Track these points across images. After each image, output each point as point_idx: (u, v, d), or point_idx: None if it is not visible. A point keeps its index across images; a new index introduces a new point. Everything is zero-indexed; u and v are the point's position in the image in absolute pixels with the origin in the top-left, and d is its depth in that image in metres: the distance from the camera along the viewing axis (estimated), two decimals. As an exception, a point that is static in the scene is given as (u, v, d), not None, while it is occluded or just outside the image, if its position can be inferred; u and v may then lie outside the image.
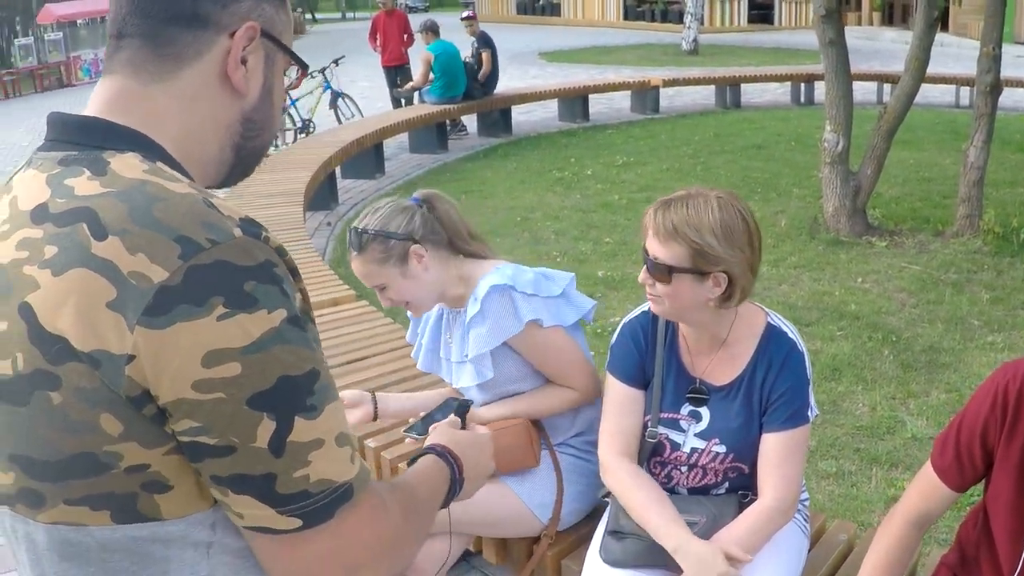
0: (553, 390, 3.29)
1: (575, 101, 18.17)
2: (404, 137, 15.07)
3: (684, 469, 3.01)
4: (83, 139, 1.43)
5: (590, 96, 18.57)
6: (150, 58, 1.48)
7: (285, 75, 1.65)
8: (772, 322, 2.95)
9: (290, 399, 1.31)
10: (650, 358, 3.00)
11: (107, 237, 1.28)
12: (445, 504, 1.78)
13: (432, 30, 15.59)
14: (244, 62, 1.52)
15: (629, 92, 19.47)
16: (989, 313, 7.62)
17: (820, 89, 20.18)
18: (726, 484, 3.00)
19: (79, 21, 36.22)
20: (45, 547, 1.42)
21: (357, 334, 5.28)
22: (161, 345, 1.25)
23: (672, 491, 3.01)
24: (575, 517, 3.37)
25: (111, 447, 1.31)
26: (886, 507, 4.78)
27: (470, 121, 16.85)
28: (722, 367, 2.94)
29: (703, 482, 3.01)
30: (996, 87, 9.36)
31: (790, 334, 2.93)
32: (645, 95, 19.18)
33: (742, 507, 2.90)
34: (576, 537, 3.35)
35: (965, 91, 19.32)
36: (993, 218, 9.45)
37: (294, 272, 1.42)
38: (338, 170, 12.24)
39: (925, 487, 2.60)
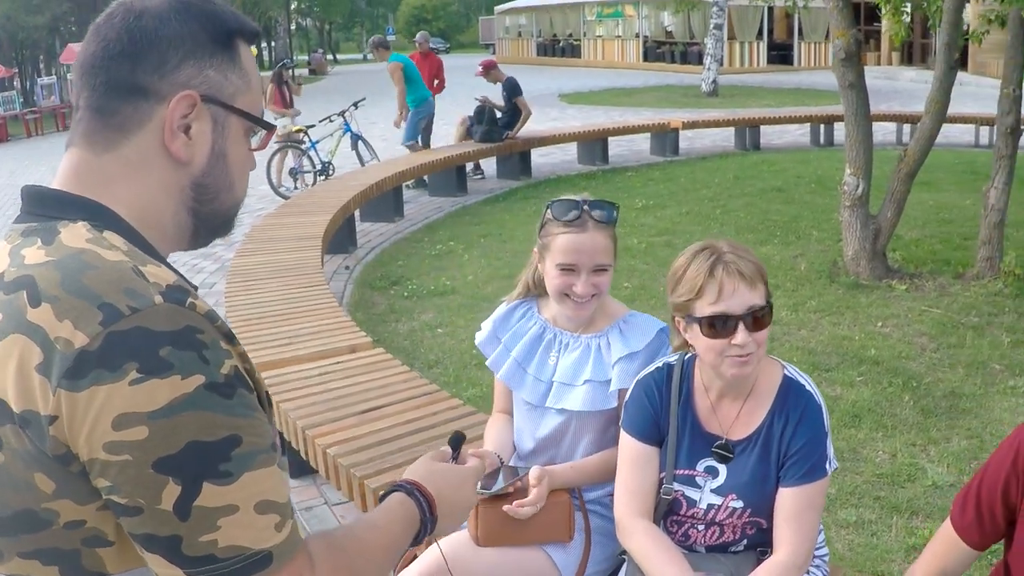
0: None
1: (595, 144, 18.22)
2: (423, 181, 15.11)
3: (701, 527, 2.96)
4: (44, 210, 1.50)
5: (610, 138, 18.60)
6: (98, 128, 1.53)
7: (253, 135, 1.66)
8: (789, 374, 2.92)
9: (198, 464, 1.33)
10: (664, 415, 2.96)
11: (40, 304, 1.35)
12: (416, 543, 1.78)
13: (383, 46, 15.85)
14: (187, 130, 1.53)
15: (649, 134, 19.50)
16: (1011, 357, 7.56)
17: (840, 130, 20.25)
18: (744, 541, 2.96)
19: None
20: None
21: (373, 382, 5.22)
22: (77, 407, 1.30)
23: (690, 549, 2.97)
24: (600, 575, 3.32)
25: (48, 504, 1.37)
26: (906, 557, 4.72)
27: (488, 164, 16.87)
28: (739, 422, 2.91)
29: (721, 540, 2.96)
30: (1017, 128, 9.34)
31: (807, 386, 2.89)
32: (665, 137, 19.21)
33: (760, 564, 2.86)
34: (595, 593, 3.29)
35: (985, 130, 19.38)
36: (1014, 260, 9.38)
37: (229, 337, 1.44)
38: (357, 213, 12.24)
39: (945, 546, 2.57)
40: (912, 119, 19.78)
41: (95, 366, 1.29)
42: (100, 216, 1.49)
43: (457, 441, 2.12)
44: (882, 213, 9.68)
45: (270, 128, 1.67)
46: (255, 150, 1.67)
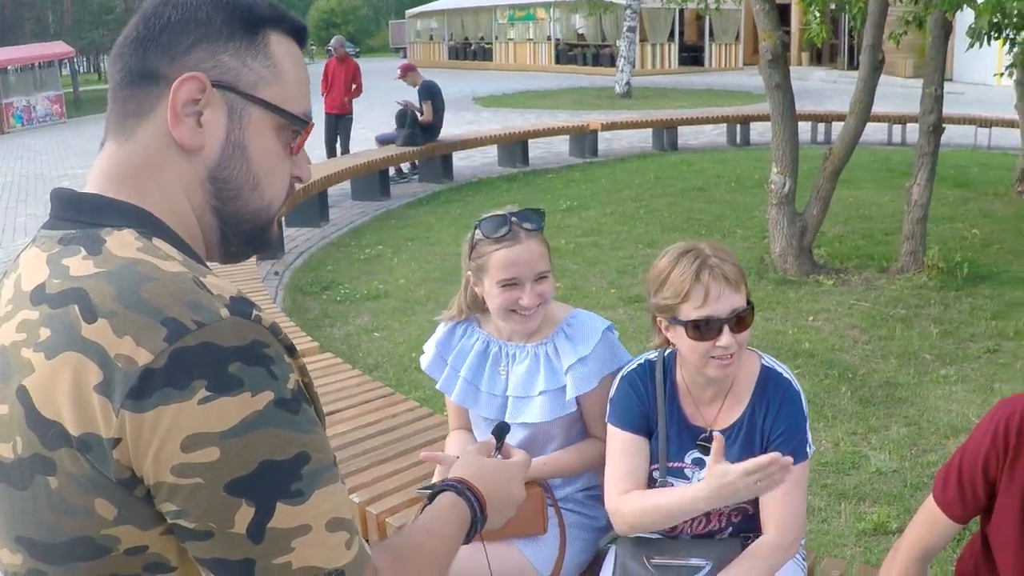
0: (596, 445, 3.25)
1: (515, 146, 18.27)
2: (347, 185, 15.05)
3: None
4: (82, 216, 1.43)
5: (529, 141, 18.68)
6: (120, 117, 1.48)
7: (292, 135, 1.56)
8: (767, 364, 3.00)
9: (271, 485, 1.28)
10: (652, 409, 3.01)
11: (96, 320, 1.27)
12: (466, 541, 1.74)
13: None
14: (200, 115, 1.46)
15: (568, 136, 19.61)
16: (940, 347, 7.77)
17: (755, 130, 20.70)
18: (729, 528, 3.03)
19: (10, 68, 35.92)
20: None
21: (328, 386, 5.18)
22: (143, 428, 1.23)
23: (675, 538, 3.03)
24: (574, 572, 3.34)
25: (108, 530, 1.30)
26: (857, 541, 4.85)
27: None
28: (722, 413, 2.98)
29: (707, 528, 3.03)
30: (939, 127, 9.59)
31: (785, 374, 2.97)
32: (583, 139, 19.36)
33: (744, 549, 2.94)
34: (574, 587, 3.35)
35: (897, 129, 19.83)
36: (937, 254, 9.63)
37: (290, 350, 1.38)
38: (283, 219, 12.17)
39: (928, 521, 2.68)
40: (827, 118, 20.22)
41: (161, 385, 1.22)
42: (144, 221, 1.42)
43: (501, 431, 2.10)
44: (808, 210, 9.87)
45: (301, 124, 1.56)
46: (294, 152, 1.58)
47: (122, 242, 1.37)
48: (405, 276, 10.29)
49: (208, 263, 1.54)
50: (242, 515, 1.26)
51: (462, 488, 1.76)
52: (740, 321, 2.76)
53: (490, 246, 3.04)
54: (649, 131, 20.80)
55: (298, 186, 1.65)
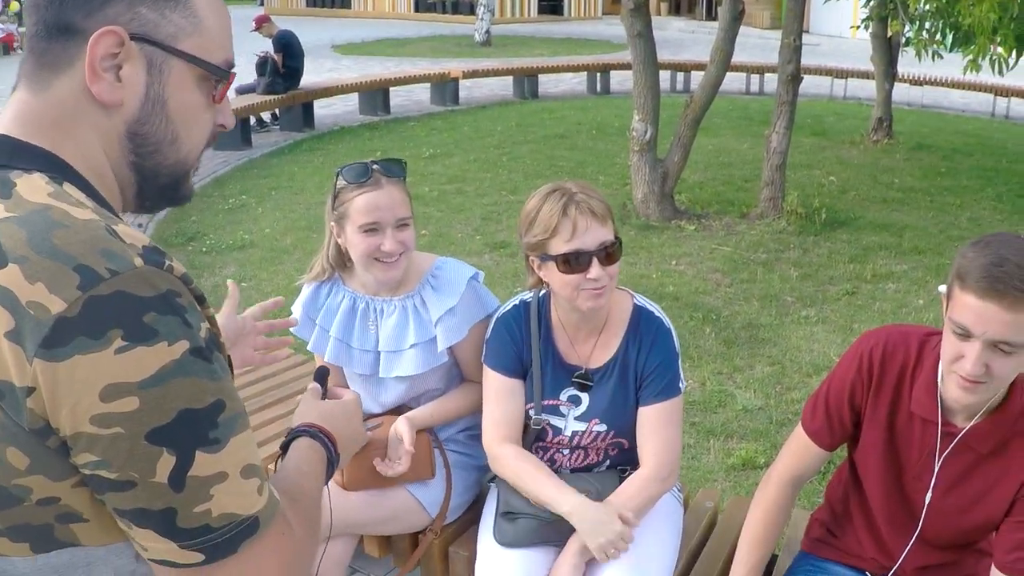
0: (475, 389, 3.30)
1: (376, 94, 18.10)
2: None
3: (566, 452, 3.11)
4: None
5: (390, 89, 18.57)
6: (35, 68, 1.44)
7: (212, 84, 1.52)
8: (639, 303, 3.09)
9: (190, 433, 1.28)
10: (526, 349, 3.08)
11: (7, 265, 1.25)
12: (326, 480, 1.78)
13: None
14: (118, 69, 1.42)
15: (429, 84, 19.52)
16: (800, 289, 8.03)
17: (615, 79, 20.91)
18: (607, 462, 3.13)
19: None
20: None
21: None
22: (59, 378, 1.22)
23: (555, 472, 3.09)
24: (460, 509, 3.42)
25: (20, 480, 1.29)
26: (727, 475, 5.02)
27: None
28: (597, 351, 3.06)
29: (585, 462, 3.12)
30: (797, 77, 9.82)
31: (656, 313, 3.07)
32: (444, 87, 19.26)
33: (622, 480, 3.03)
34: (459, 524, 3.41)
35: (756, 78, 20.30)
36: (796, 200, 9.92)
37: (200, 299, 1.38)
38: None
39: (798, 449, 2.80)
40: (687, 67, 20.52)
41: (76, 334, 1.21)
42: (55, 167, 1.40)
43: (322, 375, 2.13)
44: (669, 157, 10.04)
45: (222, 76, 1.52)
46: (216, 102, 1.54)
47: (32, 186, 1.35)
48: (270, 225, 10.18)
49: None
50: (163, 464, 1.26)
51: (315, 432, 1.81)
52: (609, 255, 2.83)
53: (352, 192, 3.04)
54: (510, 79, 20.82)
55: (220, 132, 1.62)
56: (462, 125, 16.63)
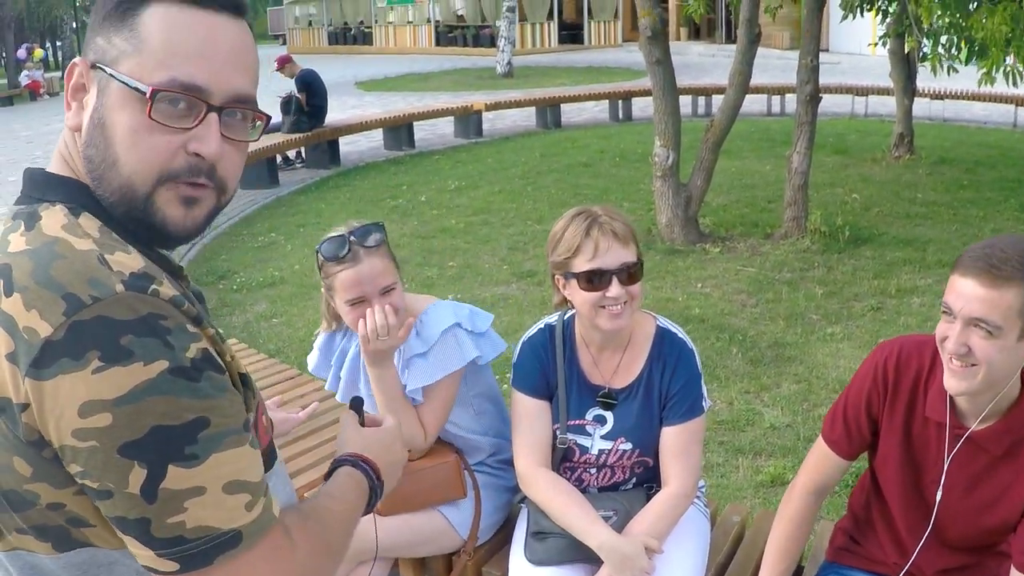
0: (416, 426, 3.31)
1: (400, 129, 18.27)
2: (234, 174, 14.91)
3: (593, 471, 3.21)
4: (33, 192, 1.54)
5: (414, 123, 18.72)
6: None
7: (153, 102, 1.47)
8: (662, 325, 3.19)
9: (163, 448, 1.34)
10: (552, 371, 3.18)
11: (12, 294, 1.37)
12: (368, 511, 1.82)
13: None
14: (83, 98, 1.54)
15: (452, 117, 19.67)
16: (825, 307, 8.08)
17: (637, 106, 20.99)
18: (633, 480, 3.22)
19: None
20: (15, 572, 1.54)
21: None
22: (45, 395, 1.33)
23: (583, 492, 3.19)
24: (491, 530, 3.52)
25: (28, 486, 1.41)
26: (756, 493, 5.08)
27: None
28: (621, 371, 3.15)
29: (612, 480, 3.22)
30: (816, 97, 9.91)
31: (679, 334, 3.17)
32: (468, 120, 19.45)
33: (649, 498, 3.12)
34: (491, 544, 3.51)
35: (776, 99, 20.34)
36: (819, 219, 9.98)
37: (197, 320, 1.45)
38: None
39: (819, 460, 2.89)
40: (707, 91, 20.60)
41: (59, 355, 1.32)
42: (77, 197, 1.51)
43: (356, 405, 2.14)
44: (692, 181, 10.12)
45: (142, 92, 1.47)
46: (162, 123, 1.49)
47: (52, 219, 1.46)
48: (299, 262, 10.30)
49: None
50: (135, 476, 1.34)
51: (355, 460, 1.85)
52: (630, 275, 2.94)
53: (333, 267, 3.07)
54: (532, 110, 20.97)
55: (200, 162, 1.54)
56: (486, 157, 16.75)
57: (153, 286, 1.40)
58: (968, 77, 11.79)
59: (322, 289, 3.24)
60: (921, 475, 2.72)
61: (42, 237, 1.43)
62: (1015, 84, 9.34)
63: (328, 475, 1.84)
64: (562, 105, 21.05)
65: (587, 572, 3.07)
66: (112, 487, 1.35)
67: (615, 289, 2.92)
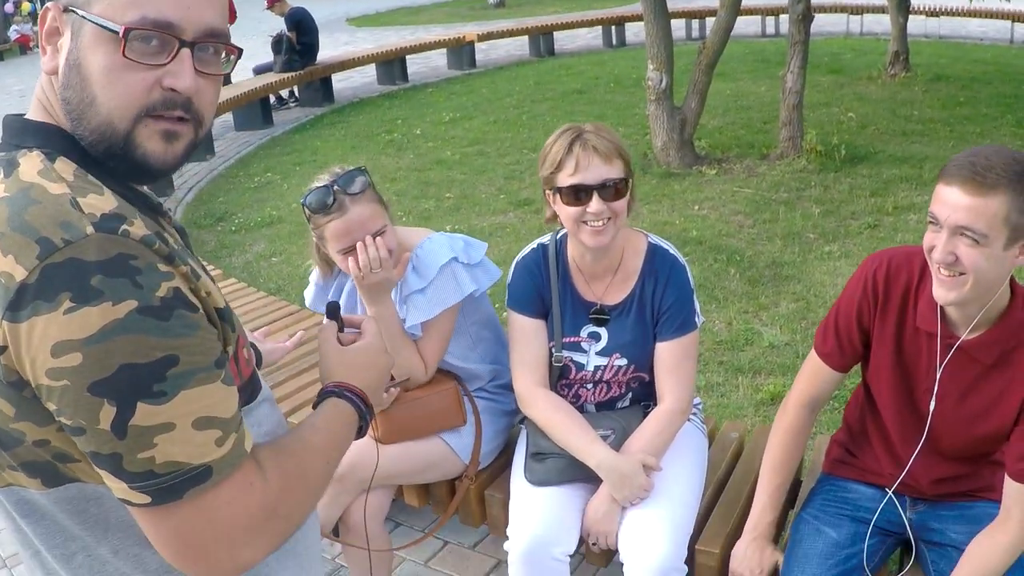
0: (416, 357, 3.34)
1: (393, 63, 18.15)
2: (228, 116, 14.89)
3: (590, 387, 3.25)
4: (13, 139, 1.56)
5: (407, 57, 18.62)
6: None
7: (126, 41, 1.48)
8: (653, 242, 3.21)
9: (131, 386, 1.37)
10: (546, 289, 3.22)
11: None
12: (362, 434, 1.85)
13: None
14: (58, 41, 1.54)
15: (445, 49, 19.56)
16: (822, 226, 8.09)
17: (631, 31, 20.84)
18: (629, 395, 3.27)
19: None
20: (11, 508, 1.60)
21: (237, 310, 5.29)
22: (20, 337, 1.37)
23: (581, 409, 3.25)
24: (492, 455, 3.57)
25: (14, 425, 1.46)
26: (756, 411, 5.14)
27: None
28: (614, 288, 3.18)
29: (608, 396, 3.26)
30: (808, 15, 9.85)
31: (671, 251, 3.19)
32: (461, 51, 19.33)
33: (646, 415, 3.17)
34: (493, 468, 3.56)
35: (771, 20, 20.19)
36: (814, 138, 9.96)
37: (169, 259, 1.46)
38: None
39: (812, 373, 2.92)
40: (700, 14, 20.46)
41: (33, 298, 1.35)
42: (54, 141, 1.54)
43: (334, 310, 2.11)
44: (686, 104, 10.08)
45: (115, 32, 1.48)
46: (136, 61, 1.50)
47: (29, 165, 1.49)
48: (296, 200, 10.11)
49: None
50: (105, 413, 1.38)
51: (339, 391, 1.85)
52: (615, 191, 2.96)
53: (321, 219, 3.07)
54: (525, 39, 20.87)
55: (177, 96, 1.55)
56: (480, 88, 16.68)
57: (124, 226, 1.42)
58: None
59: (312, 237, 3.24)
60: (914, 386, 2.75)
61: (18, 184, 1.45)
62: (1010, -1, 9.29)
63: (316, 404, 1.85)
64: (555, 33, 20.88)
65: (586, 491, 3.13)
66: (84, 424, 1.39)
67: (595, 204, 2.94)
